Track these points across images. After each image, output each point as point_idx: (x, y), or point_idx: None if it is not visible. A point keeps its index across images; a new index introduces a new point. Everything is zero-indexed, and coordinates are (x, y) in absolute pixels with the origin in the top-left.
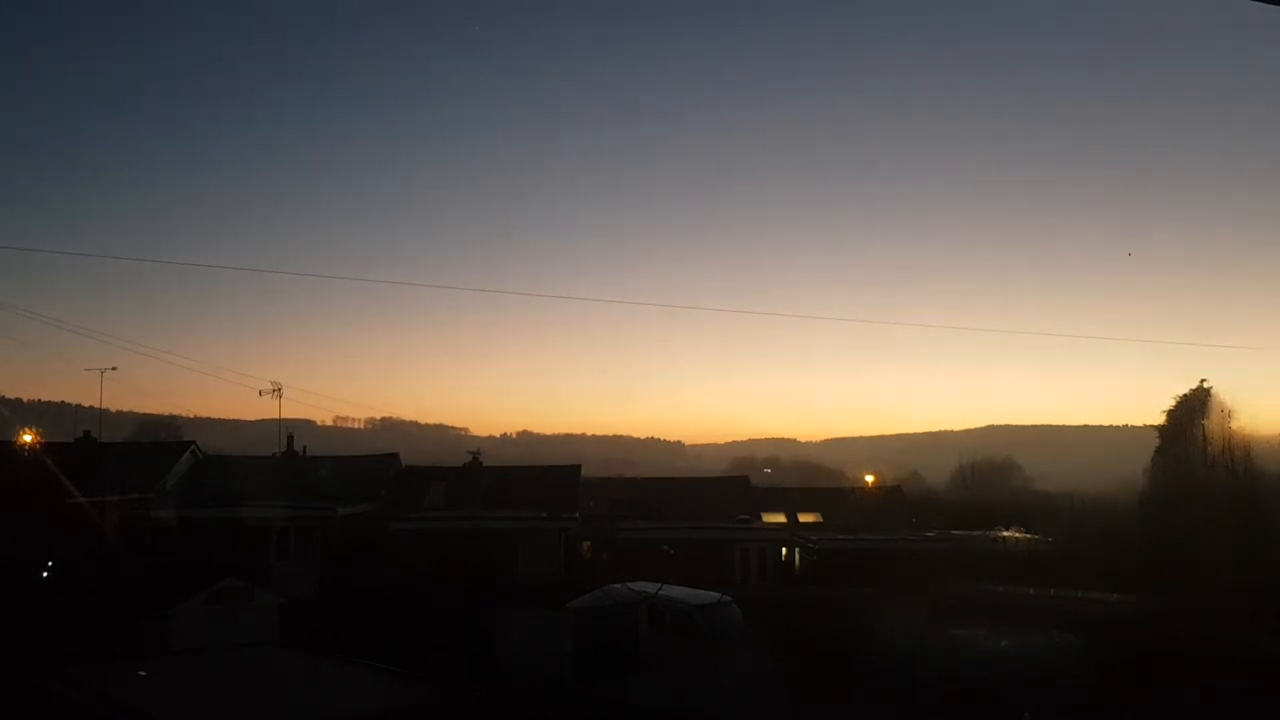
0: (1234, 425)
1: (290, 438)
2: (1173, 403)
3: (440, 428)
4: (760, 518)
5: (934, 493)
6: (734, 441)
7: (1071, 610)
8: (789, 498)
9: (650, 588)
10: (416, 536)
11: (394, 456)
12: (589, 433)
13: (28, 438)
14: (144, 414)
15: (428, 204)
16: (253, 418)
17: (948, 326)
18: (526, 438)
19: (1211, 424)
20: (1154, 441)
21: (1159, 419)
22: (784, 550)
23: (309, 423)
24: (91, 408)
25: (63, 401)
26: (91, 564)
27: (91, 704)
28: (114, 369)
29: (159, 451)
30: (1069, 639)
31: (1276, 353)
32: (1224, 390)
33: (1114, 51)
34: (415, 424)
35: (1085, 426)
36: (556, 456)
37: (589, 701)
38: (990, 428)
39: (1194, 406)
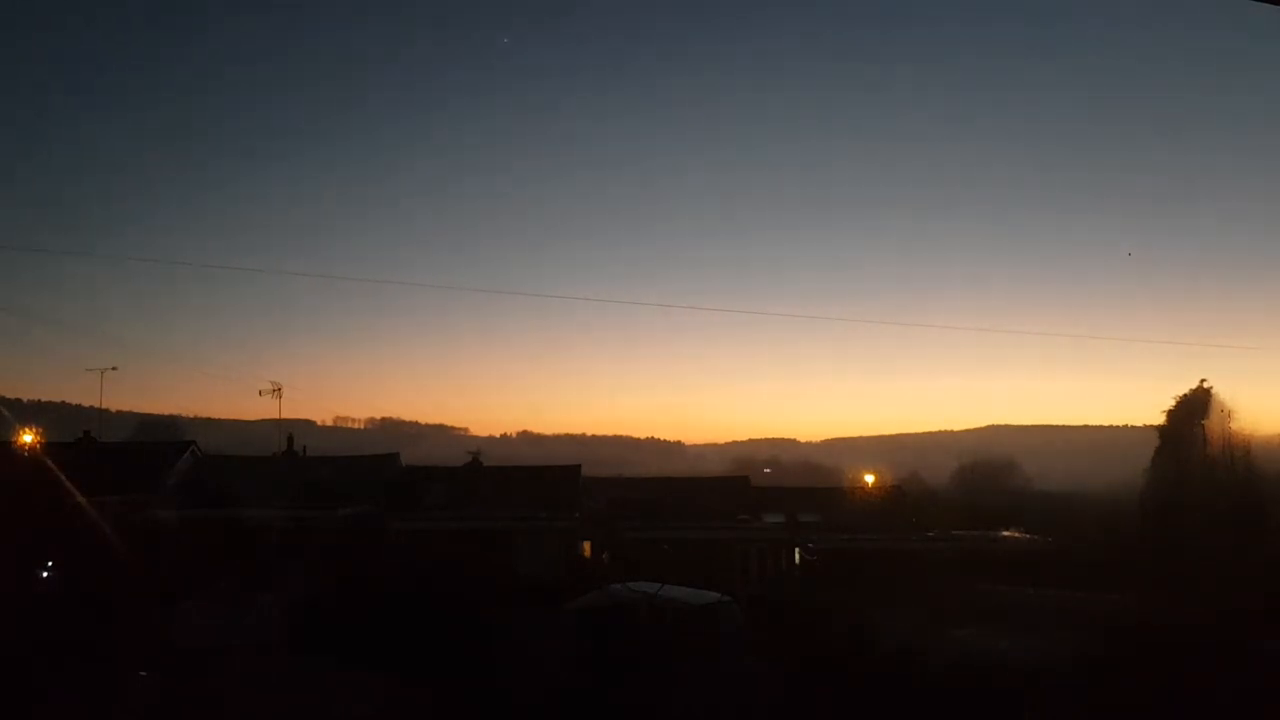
0: (1234, 425)
1: (290, 438)
2: (1173, 403)
3: (440, 428)
4: (760, 518)
5: (934, 493)
6: (734, 441)
7: (1071, 610)
8: (789, 498)
9: (650, 588)
10: (417, 537)
11: (394, 456)
12: (589, 433)
13: (28, 438)
14: (144, 414)
15: (428, 204)
16: (253, 418)
17: (948, 326)
18: (526, 438)
19: (1211, 424)
20: (1154, 441)
21: (1159, 419)
22: (784, 550)
23: (309, 423)
24: (91, 408)
25: (63, 401)
26: (91, 564)
27: (93, 704)
28: (114, 369)
29: (159, 451)
30: (1068, 639)
31: (1276, 353)
32: (1224, 390)
33: (1114, 50)
34: (415, 424)
35: (1085, 426)
36: (556, 456)
37: (588, 702)
38: (990, 428)
39: (1194, 406)
